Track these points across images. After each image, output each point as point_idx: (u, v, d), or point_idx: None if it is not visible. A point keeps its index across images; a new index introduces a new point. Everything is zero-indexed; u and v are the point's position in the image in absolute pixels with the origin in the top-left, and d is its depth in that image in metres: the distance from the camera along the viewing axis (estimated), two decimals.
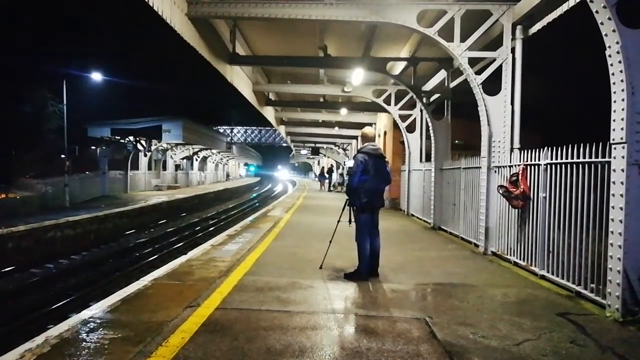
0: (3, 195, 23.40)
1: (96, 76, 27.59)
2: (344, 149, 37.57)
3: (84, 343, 3.68)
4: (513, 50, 8.13)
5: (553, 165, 5.91)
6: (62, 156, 25.89)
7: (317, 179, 42.79)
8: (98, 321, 4.18)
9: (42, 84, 25.97)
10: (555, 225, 5.83)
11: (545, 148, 6.11)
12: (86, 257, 13.79)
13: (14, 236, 12.76)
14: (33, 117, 25.63)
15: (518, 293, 5.53)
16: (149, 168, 35.72)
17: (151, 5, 7.93)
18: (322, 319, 4.39)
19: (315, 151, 43.93)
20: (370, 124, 21.99)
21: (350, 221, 6.28)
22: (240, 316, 4.39)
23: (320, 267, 6.53)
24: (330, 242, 6.80)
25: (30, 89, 25.58)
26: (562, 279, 5.66)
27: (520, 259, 6.93)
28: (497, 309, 4.86)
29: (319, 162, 58.60)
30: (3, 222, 14.13)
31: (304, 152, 55.84)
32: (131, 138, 30.91)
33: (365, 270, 6.00)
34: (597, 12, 4.70)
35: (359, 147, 6.33)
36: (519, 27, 8.15)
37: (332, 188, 32.79)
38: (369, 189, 5.95)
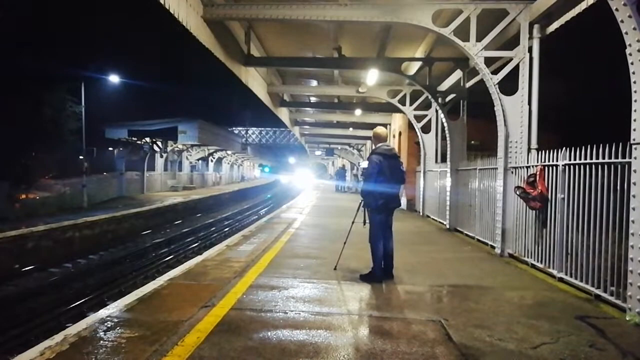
0: (23, 196, 23.87)
1: (114, 78, 28.04)
2: (358, 150, 37.48)
3: (102, 341, 3.73)
4: (530, 49, 8.02)
5: (571, 166, 5.81)
6: (81, 157, 26.32)
7: (333, 179, 42.55)
8: (115, 320, 4.24)
9: (61, 85, 26.39)
10: (574, 227, 5.73)
11: (564, 148, 6.02)
12: (104, 256, 14.00)
13: (33, 236, 13.02)
14: (52, 119, 26.07)
15: (535, 295, 5.46)
16: (165, 169, 36.13)
17: (167, 7, 8.00)
18: (337, 319, 4.38)
19: (330, 152, 43.97)
20: (384, 125, 21.85)
21: (364, 222, 6.25)
22: (255, 316, 4.40)
23: (335, 268, 6.52)
24: (345, 243, 6.76)
25: (49, 90, 26.01)
26: (581, 281, 5.56)
27: (537, 261, 6.83)
28: (514, 312, 4.79)
29: (333, 162, 58.53)
30: (23, 222, 14.43)
31: (318, 152, 55.91)
32: (147, 139, 31.29)
33: (379, 272, 5.97)
34: (616, 9, 4.62)
35: (372, 148, 6.29)
36: (536, 26, 8.04)
37: (346, 189, 32.67)
38: (385, 190, 5.92)
